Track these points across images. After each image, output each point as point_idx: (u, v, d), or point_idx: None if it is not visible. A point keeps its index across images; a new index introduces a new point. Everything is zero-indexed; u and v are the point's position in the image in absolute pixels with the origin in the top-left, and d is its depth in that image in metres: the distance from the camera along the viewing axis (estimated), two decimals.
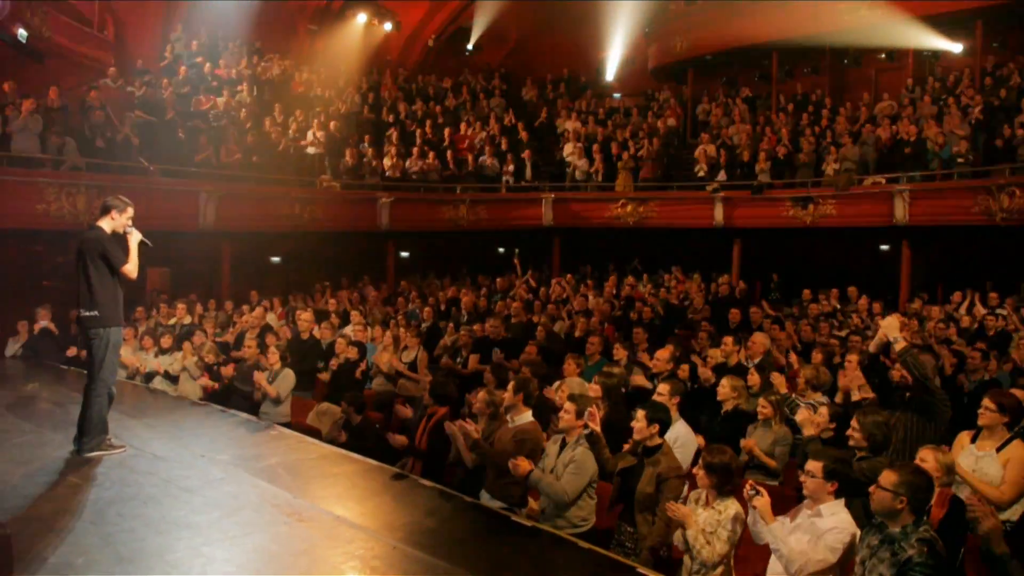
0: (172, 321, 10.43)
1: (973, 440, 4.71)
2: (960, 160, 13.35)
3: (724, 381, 6.05)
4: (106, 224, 5.46)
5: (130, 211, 5.57)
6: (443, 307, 12.39)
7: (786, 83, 19.40)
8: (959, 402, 6.25)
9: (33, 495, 4.51)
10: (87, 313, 5.37)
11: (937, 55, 17.26)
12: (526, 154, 17.59)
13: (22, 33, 12.57)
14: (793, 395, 6.35)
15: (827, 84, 18.82)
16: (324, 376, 8.56)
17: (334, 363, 8.30)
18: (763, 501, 3.74)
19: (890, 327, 5.02)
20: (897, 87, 17.31)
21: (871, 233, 14.99)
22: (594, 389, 5.94)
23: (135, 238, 5.54)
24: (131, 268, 5.46)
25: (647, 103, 20.63)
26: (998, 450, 4.53)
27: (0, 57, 12.76)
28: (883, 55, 18.03)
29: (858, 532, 3.63)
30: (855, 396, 6.32)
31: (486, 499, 5.07)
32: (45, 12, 13.70)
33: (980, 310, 10.98)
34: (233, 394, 7.70)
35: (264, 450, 5.78)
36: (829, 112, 16.92)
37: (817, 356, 7.44)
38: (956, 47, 16.77)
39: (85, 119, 12.36)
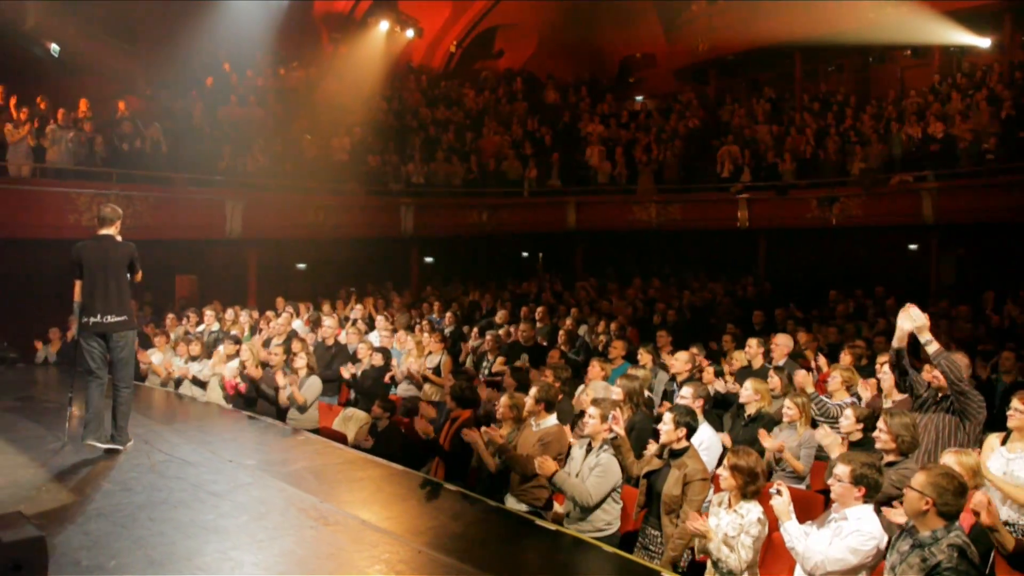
0: (200, 328, 10.59)
1: (1004, 442, 4.63)
2: (989, 156, 13.13)
3: (747, 384, 6.01)
4: (117, 234, 5.76)
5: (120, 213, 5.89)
6: (466, 311, 12.42)
7: (810, 82, 19.23)
8: (990, 403, 6.14)
9: (66, 500, 4.62)
10: (117, 318, 5.63)
11: (964, 50, 17.00)
12: (554, 157, 17.58)
13: (54, 47, 12.86)
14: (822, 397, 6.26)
15: (851, 82, 18.63)
16: (346, 374, 8.59)
17: (359, 369, 8.36)
18: (781, 500, 3.73)
19: (911, 318, 4.83)
20: (924, 84, 17.07)
21: (898, 232, 14.80)
22: (616, 392, 5.93)
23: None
24: (136, 272, 5.83)
25: (669, 105, 20.55)
26: None
27: (33, 71, 13.06)
28: (909, 52, 17.80)
29: (885, 539, 3.58)
30: (890, 398, 6.18)
31: (511, 503, 5.09)
32: (76, 26, 14.01)
33: (1011, 309, 10.76)
34: (260, 400, 7.79)
35: (291, 455, 5.85)
36: (854, 110, 16.73)
37: (846, 357, 7.34)
38: (984, 42, 16.49)
39: (114, 130, 12.59)
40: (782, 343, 7.39)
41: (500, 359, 8.84)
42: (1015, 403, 4.58)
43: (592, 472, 4.62)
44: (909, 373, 5.02)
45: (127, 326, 5.71)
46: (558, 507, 5.14)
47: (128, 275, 5.75)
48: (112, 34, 15.70)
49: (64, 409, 6.06)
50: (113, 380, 5.72)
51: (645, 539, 4.58)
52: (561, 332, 9.36)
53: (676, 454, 4.53)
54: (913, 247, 15.20)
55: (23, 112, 11.33)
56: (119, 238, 5.75)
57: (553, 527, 4.53)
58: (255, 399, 7.77)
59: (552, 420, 5.33)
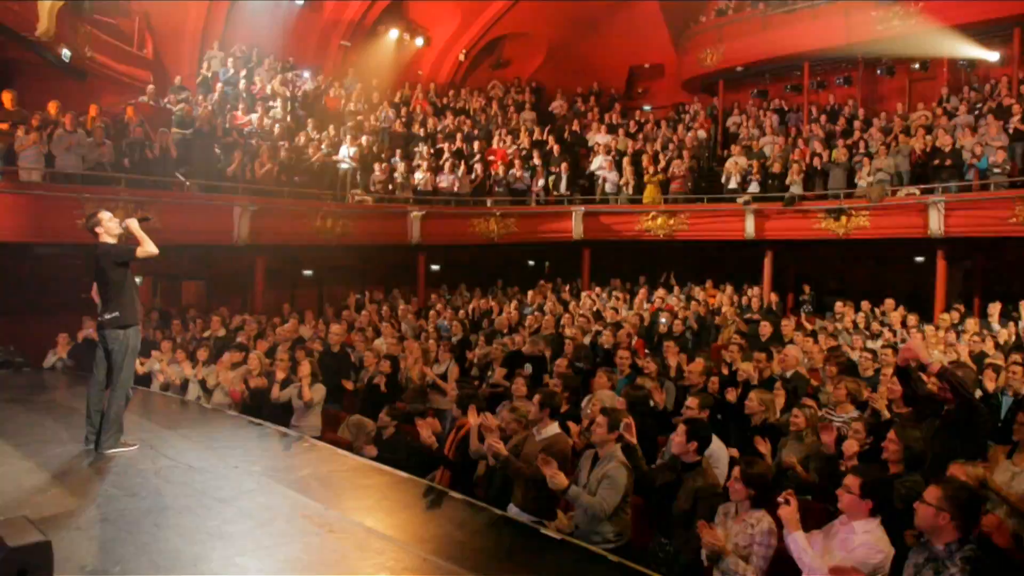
0: (207, 334, 10.62)
1: (1009, 455, 4.62)
2: (997, 171, 13.11)
3: (752, 395, 6.00)
4: (107, 238, 5.79)
5: (103, 214, 5.87)
6: (474, 320, 12.43)
7: (818, 94, 19.24)
8: (996, 416, 6.12)
9: (71, 505, 4.62)
10: (109, 315, 5.71)
11: (973, 64, 16.98)
12: (563, 167, 17.63)
13: (65, 53, 12.95)
14: (824, 411, 6.26)
15: (859, 95, 18.62)
16: (349, 385, 8.64)
17: (365, 376, 8.37)
18: (788, 509, 3.71)
19: (918, 347, 4.92)
20: (932, 97, 17.08)
21: (905, 245, 14.77)
22: (620, 402, 5.92)
23: (134, 224, 5.81)
24: (147, 247, 5.73)
25: (677, 115, 20.59)
26: None
27: (44, 76, 13.16)
28: (917, 65, 17.76)
29: (891, 552, 3.56)
30: (888, 409, 6.19)
31: (515, 512, 5.07)
32: (87, 32, 14.12)
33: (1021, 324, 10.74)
34: (265, 406, 7.80)
35: (296, 461, 5.86)
36: (862, 123, 16.73)
37: (831, 369, 7.28)
38: (992, 56, 16.47)
39: (123, 135, 12.67)
40: (792, 355, 7.38)
41: (501, 370, 8.80)
42: (1021, 417, 4.57)
43: (601, 484, 4.60)
44: (916, 386, 5.02)
45: (118, 323, 5.69)
46: (562, 517, 5.12)
47: (124, 274, 5.73)
48: (123, 40, 15.83)
49: (78, 415, 6.07)
50: (111, 382, 5.74)
51: (657, 550, 4.56)
52: (568, 342, 9.35)
53: (688, 467, 4.51)
54: (920, 259, 15.16)
55: (35, 118, 11.41)
56: (112, 240, 5.78)
57: (558, 536, 4.51)
58: (260, 407, 7.77)
59: (555, 428, 5.33)
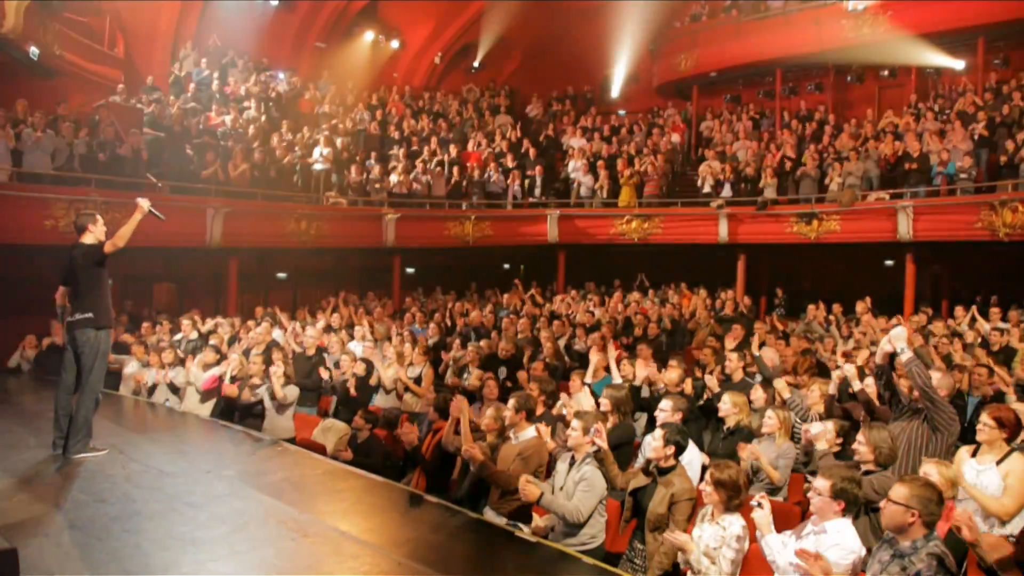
0: (178, 337, 10.47)
1: (974, 454, 4.72)
2: (963, 176, 13.37)
3: (726, 397, 6.05)
4: (90, 239, 5.69)
5: (99, 218, 5.81)
6: (450, 323, 12.40)
7: (790, 100, 19.53)
8: (963, 417, 6.24)
9: (38, 511, 4.52)
10: (81, 315, 5.59)
11: (939, 72, 17.34)
12: (537, 170, 17.67)
13: (34, 51, 12.73)
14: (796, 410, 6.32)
15: (830, 101, 18.92)
16: (325, 373, 8.59)
17: (339, 378, 8.32)
18: (762, 512, 3.76)
19: (898, 337, 5.01)
20: (900, 104, 17.39)
21: (875, 249, 15.01)
22: (603, 404, 5.93)
23: (144, 207, 5.74)
24: (116, 239, 5.54)
25: (652, 120, 20.75)
26: (998, 463, 4.54)
27: (12, 74, 12.92)
28: (886, 72, 18.08)
29: (863, 552, 3.62)
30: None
31: (491, 515, 5.07)
32: (56, 30, 13.88)
33: (983, 325, 10.94)
34: (238, 406, 7.72)
35: (269, 465, 5.80)
36: (833, 128, 16.98)
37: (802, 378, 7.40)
38: (958, 64, 16.84)
39: (93, 135, 12.48)
40: (768, 357, 7.47)
41: (477, 372, 8.79)
42: (984, 418, 4.69)
43: (578, 487, 4.62)
44: (893, 387, 5.13)
45: (91, 324, 5.58)
46: (538, 519, 5.13)
47: (98, 276, 5.63)
48: (93, 39, 15.60)
49: (45, 420, 5.95)
50: (79, 385, 5.62)
51: (632, 553, 4.59)
52: (548, 345, 9.37)
53: (663, 471, 4.54)
54: (889, 263, 15.42)
55: (1, 117, 11.21)
56: (93, 242, 5.67)
57: (534, 539, 4.52)
58: (233, 410, 7.70)
59: (531, 431, 5.33)
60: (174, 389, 8.35)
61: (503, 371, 8.65)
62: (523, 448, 5.17)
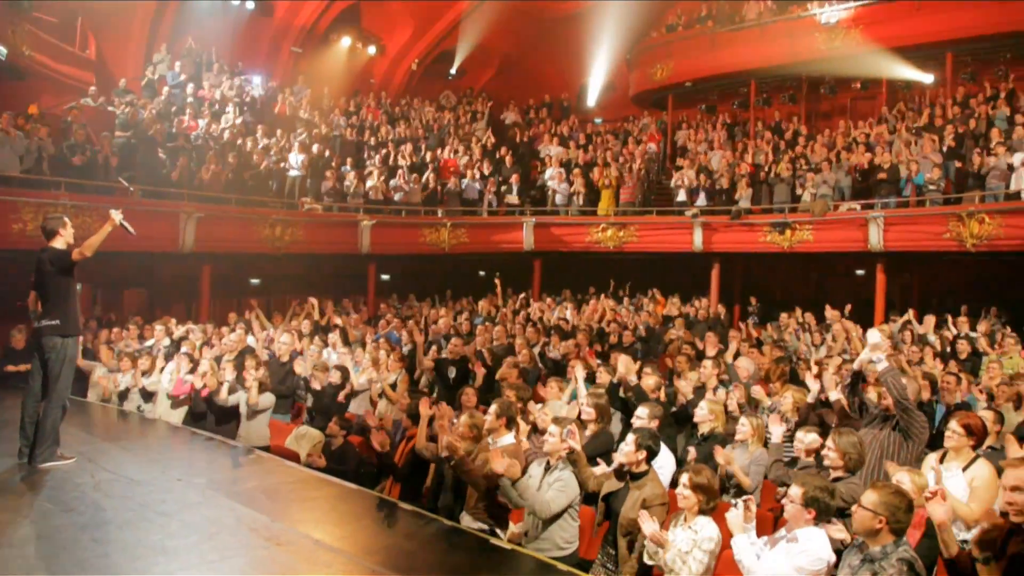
0: (149, 342, 10.32)
1: (941, 461, 4.81)
2: (932, 188, 13.62)
3: (702, 404, 6.10)
4: (59, 244, 5.57)
5: (67, 221, 5.66)
6: (425, 329, 12.34)
7: (764, 110, 19.78)
8: (930, 425, 6.35)
9: (2, 521, 4.42)
10: (47, 322, 5.49)
11: (910, 85, 17.68)
12: (514, 178, 17.70)
13: (1, 51, 12.53)
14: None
15: (803, 112, 19.21)
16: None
17: (315, 385, 8.24)
18: (735, 513, 3.83)
19: (875, 346, 5.10)
20: (871, 115, 17.70)
21: (847, 258, 15.23)
22: (586, 411, 5.93)
23: (116, 219, 5.56)
24: (84, 249, 5.41)
25: (628, 128, 20.89)
26: (964, 470, 4.64)
27: None
28: (858, 84, 18.44)
29: (833, 559, 3.66)
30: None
31: (467, 521, 5.06)
32: (26, 30, 13.68)
33: (950, 334, 11.13)
34: (212, 409, 7.62)
35: (242, 473, 5.74)
36: (806, 139, 17.23)
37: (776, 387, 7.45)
38: (927, 78, 17.20)
39: (64, 137, 12.29)
40: (743, 366, 7.54)
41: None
42: (953, 424, 4.78)
43: (552, 486, 4.63)
44: (861, 395, 5.21)
45: (57, 330, 5.48)
46: (514, 526, 5.12)
47: (66, 283, 5.53)
48: (64, 40, 15.39)
49: (11, 427, 5.83)
50: (46, 392, 5.51)
51: (604, 558, 4.60)
52: (525, 352, 9.37)
53: (636, 476, 4.56)
54: (860, 272, 15.64)
55: None
56: (62, 247, 5.55)
57: (509, 546, 4.51)
58: (204, 414, 7.59)
59: (510, 438, 5.33)
60: (147, 395, 8.22)
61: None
62: (502, 452, 5.15)
